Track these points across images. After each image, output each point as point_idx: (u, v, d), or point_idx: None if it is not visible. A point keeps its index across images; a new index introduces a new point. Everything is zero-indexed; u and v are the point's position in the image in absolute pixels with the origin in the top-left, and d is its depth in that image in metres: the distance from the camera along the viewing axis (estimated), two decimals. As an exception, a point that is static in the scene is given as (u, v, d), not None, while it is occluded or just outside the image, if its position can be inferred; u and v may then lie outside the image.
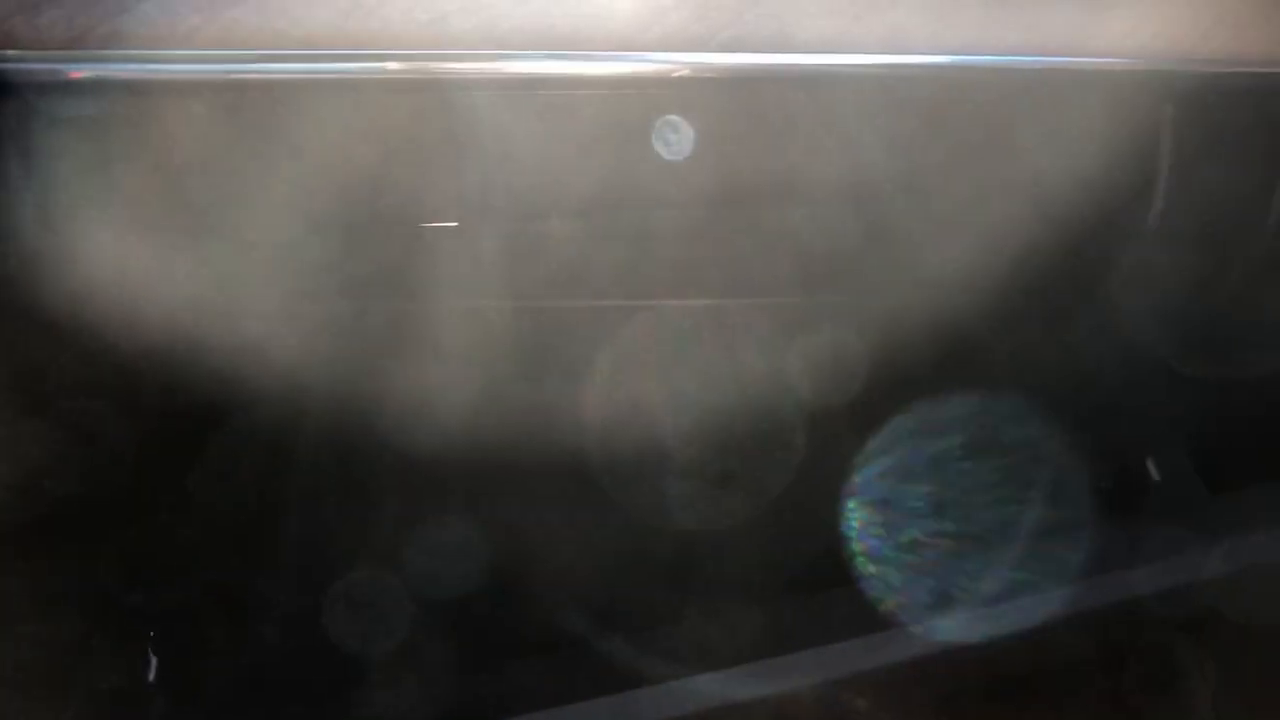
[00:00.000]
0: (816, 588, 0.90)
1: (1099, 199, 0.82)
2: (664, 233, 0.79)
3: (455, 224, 0.76)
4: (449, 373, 0.82)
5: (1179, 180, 0.83)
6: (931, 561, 0.92)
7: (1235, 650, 0.95)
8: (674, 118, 0.71)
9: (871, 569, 0.91)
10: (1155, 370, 0.96)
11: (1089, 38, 0.75)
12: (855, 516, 0.92)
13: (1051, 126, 0.78)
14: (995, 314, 0.86)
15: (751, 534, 0.90)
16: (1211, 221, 0.87)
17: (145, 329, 0.70)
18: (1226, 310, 0.94)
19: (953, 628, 0.88)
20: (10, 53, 0.61)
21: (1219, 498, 1.02)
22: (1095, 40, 0.76)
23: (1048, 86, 0.77)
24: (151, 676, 0.82)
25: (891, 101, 0.76)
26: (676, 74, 0.71)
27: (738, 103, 0.74)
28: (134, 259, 0.69)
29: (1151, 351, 0.95)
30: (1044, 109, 0.77)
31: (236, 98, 0.66)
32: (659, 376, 0.87)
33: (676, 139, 0.72)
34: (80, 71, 0.62)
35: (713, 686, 0.79)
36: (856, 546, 0.92)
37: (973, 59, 0.74)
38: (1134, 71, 0.78)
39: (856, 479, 0.92)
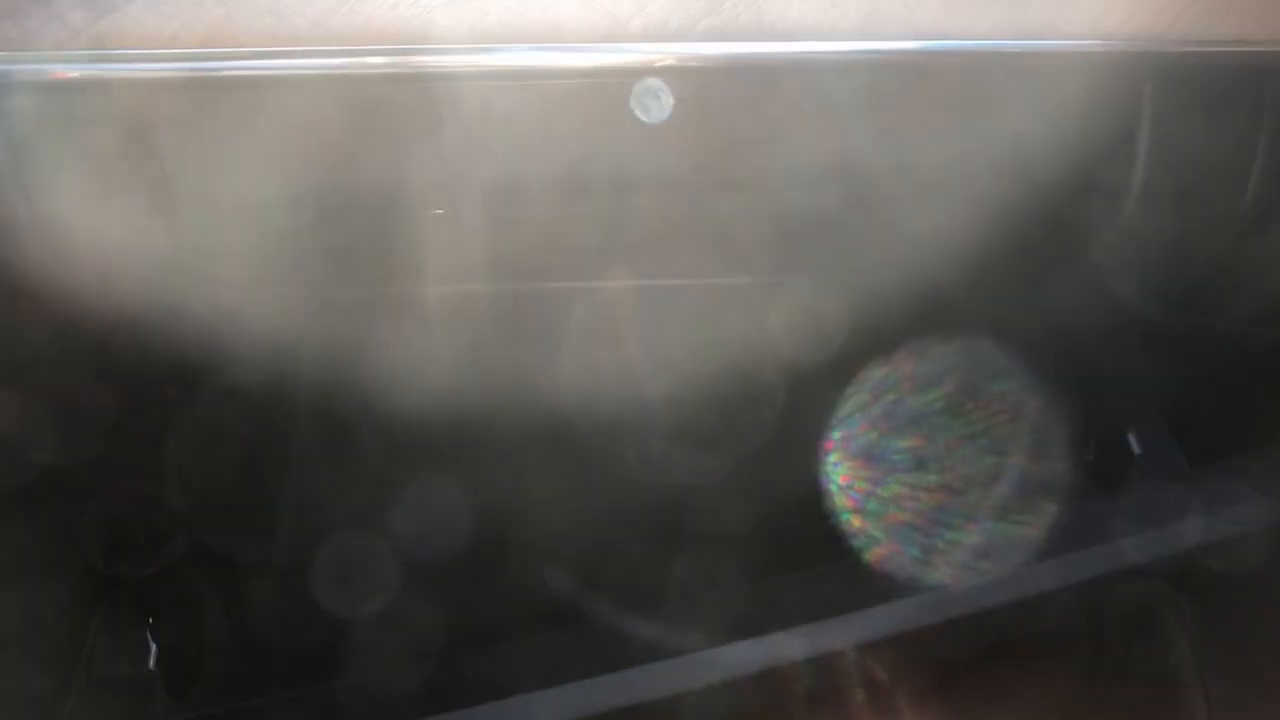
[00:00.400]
0: (807, 555, 0.92)
1: (1076, 177, 0.84)
2: (648, 217, 0.81)
3: (440, 211, 0.78)
4: (443, 355, 0.84)
5: (1157, 158, 0.85)
6: (916, 522, 0.94)
7: (1218, 612, 0.97)
8: (653, 81, 0.72)
9: (858, 533, 0.93)
10: (1139, 335, 0.98)
11: (1062, 21, 0.77)
12: (840, 477, 0.94)
13: (1027, 109, 0.79)
14: (980, 289, 0.88)
15: (740, 501, 0.92)
16: (1191, 196, 0.89)
17: (138, 325, 0.72)
18: (1208, 277, 0.96)
19: (939, 590, 0.90)
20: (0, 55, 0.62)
21: (1203, 461, 1.05)
22: (1068, 24, 0.77)
23: (1021, 70, 0.78)
24: (147, 647, 0.84)
25: (868, 85, 0.77)
26: (659, 63, 0.72)
27: (719, 90, 0.75)
28: (126, 257, 0.70)
29: (1135, 317, 0.97)
30: (1018, 92, 0.79)
31: (224, 95, 0.67)
32: (651, 352, 0.89)
33: (655, 103, 0.73)
34: (70, 72, 0.63)
35: (702, 658, 0.81)
36: (844, 509, 0.94)
37: (946, 44, 0.75)
38: (1108, 54, 0.79)
39: (841, 440, 0.94)
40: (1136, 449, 1.04)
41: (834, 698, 0.84)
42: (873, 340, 0.89)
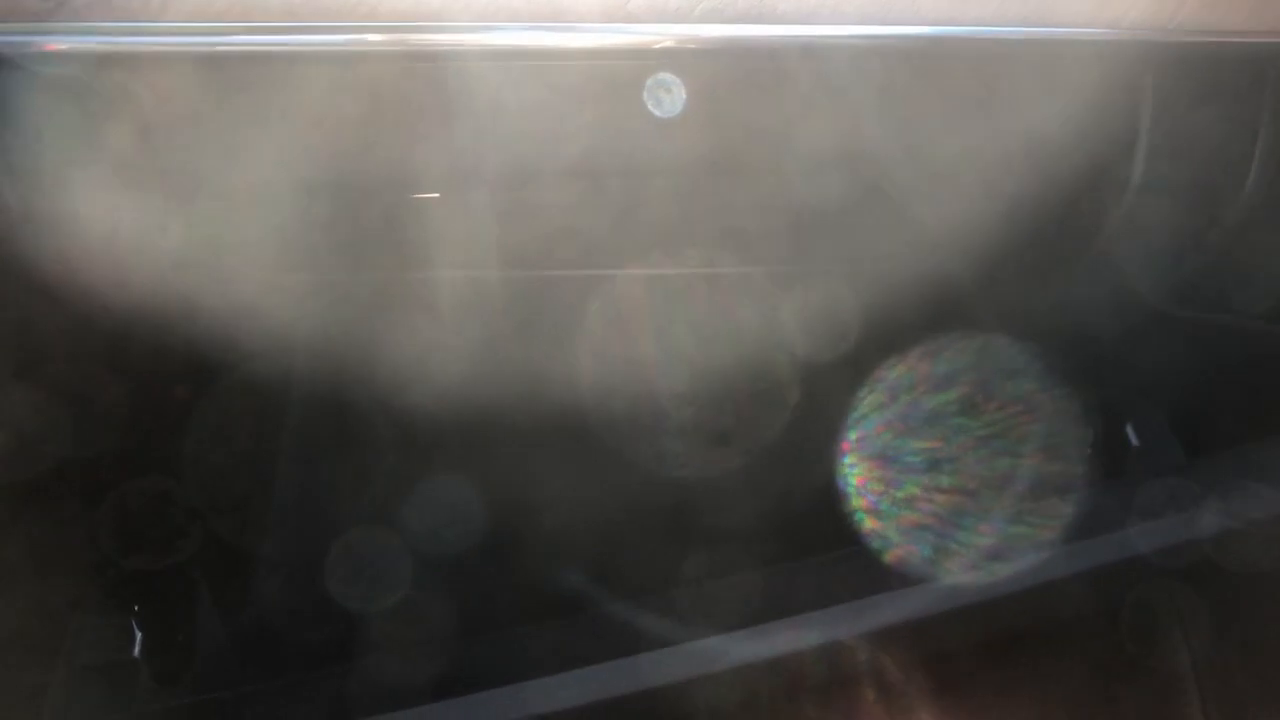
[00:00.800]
0: (816, 546, 0.92)
1: (1077, 165, 0.83)
2: (644, 201, 0.80)
3: (438, 194, 0.77)
4: (449, 339, 0.83)
5: (1158, 147, 0.85)
6: (928, 517, 0.93)
7: (1224, 606, 0.97)
8: (666, 75, 0.71)
9: (870, 526, 0.92)
10: (1141, 326, 0.98)
11: (1065, 9, 0.76)
12: (854, 473, 0.94)
13: (1029, 96, 0.79)
14: (979, 275, 0.87)
15: (752, 493, 0.91)
16: (1192, 185, 0.89)
17: (130, 295, 0.71)
18: (1208, 267, 0.96)
19: (949, 584, 0.89)
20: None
21: (1209, 454, 1.04)
22: (1072, 11, 0.76)
23: (1024, 57, 0.78)
24: (145, 639, 0.83)
25: (870, 71, 0.76)
26: (658, 45, 0.71)
27: (719, 73, 0.74)
28: (114, 229, 0.69)
29: (1136, 307, 0.97)
30: (1020, 79, 0.78)
31: (215, 69, 0.66)
32: (660, 340, 0.88)
33: (668, 97, 0.72)
34: (59, 44, 0.62)
35: (714, 647, 0.80)
36: (856, 503, 0.93)
37: (949, 30, 0.74)
38: (1110, 42, 0.78)
39: (855, 436, 0.94)
40: (1135, 441, 1.03)
41: (842, 688, 0.83)
42: (874, 329, 0.88)
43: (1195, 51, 0.81)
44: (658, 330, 0.89)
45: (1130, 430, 1.04)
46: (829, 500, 0.93)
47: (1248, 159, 0.86)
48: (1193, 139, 0.84)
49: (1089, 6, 0.77)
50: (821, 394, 0.93)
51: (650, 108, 0.72)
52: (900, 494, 0.94)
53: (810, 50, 0.75)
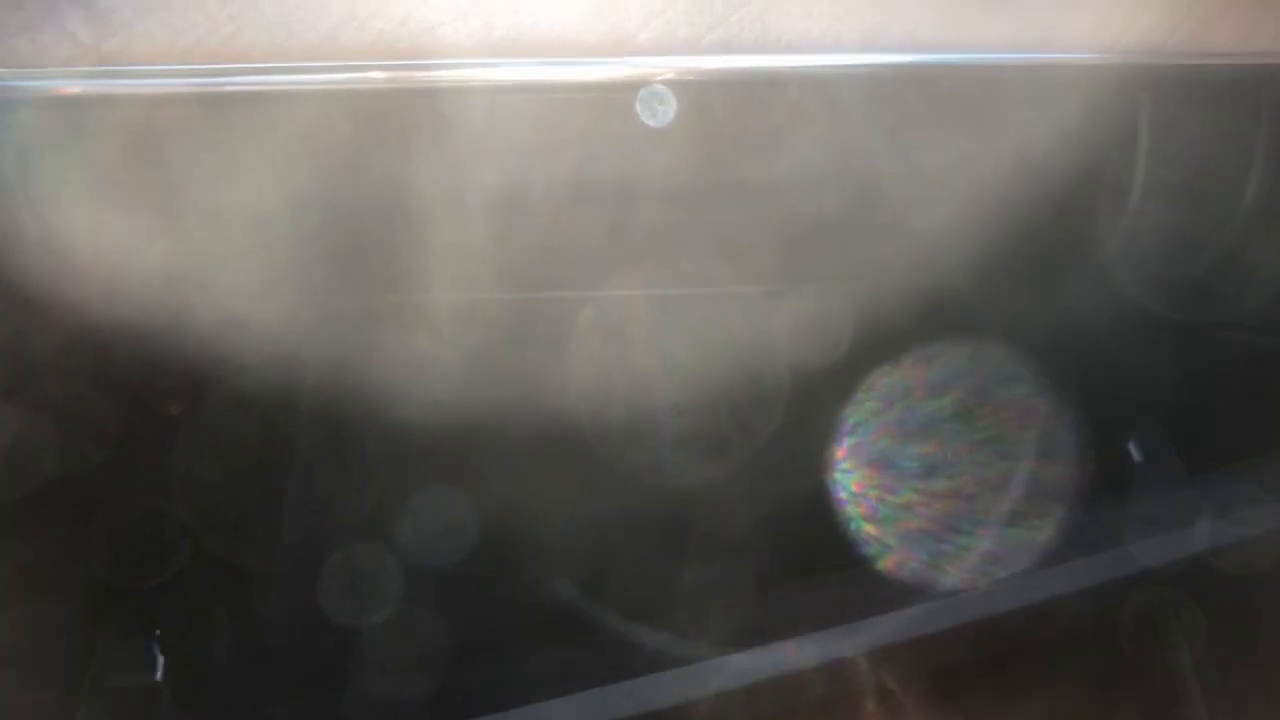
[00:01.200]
0: (816, 563, 0.93)
1: (1074, 188, 0.85)
2: (657, 230, 0.81)
3: (448, 226, 0.78)
4: (446, 369, 0.84)
5: (1155, 169, 0.86)
6: (927, 529, 0.94)
7: (1227, 616, 0.98)
8: (658, 86, 0.73)
9: (870, 540, 0.93)
10: (1139, 342, 0.99)
11: (1061, 33, 0.77)
12: (851, 483, 0.95)
13: (1026, 121, 0.80)
14: (978, 300, 0.89)
15: (751, 509, 0.92)
16: (1189, 206, 0.90)
17: (147, 340, 0.72)
18: (1206, 287, 0.97)
19: (949, 595, 0.90)
20: (12, 71, 0.62)
21: (1211, 464, 1.05)
22: (1067, 36, 0.78)
23: (1021, 82, 0.79)
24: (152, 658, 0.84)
25: (871, 97, 0.78)
26: (665, 76, 0.73)
27: (725, 102, 0.76)
28: (134, 271, 0.70)
29: (1134, 325, 0.98)
30: (1018, 104, 0.80)
31: (233, 110, 0.68)
32: (661, 362, 0.90)
33: (661, 109, 0.73)
34: (82, 88, 0.63)
35: (712, 666, 0.81)
36: (856, 516, 0.94)
37: (946, 57, 0.76)
38: (1106, 66, 0.80)
39: (851, 446, 0.95)
40: (1136, 456, 1.04)
41: (844, 705, 0.84)
42: (874, 349, 0.90)
43: (1191, 74, 0.83)
44: (659, 348, 0.90)
45: (1132, 445, 1.05)
46: (831, 513, 0.94)
47: (1245, 179, 0.87)
48: (1190, 160, 0.86)
49: (1084, 30, 0.79)
50: (831, 417, 0.94)
51: (644, 118, 0.73)
52: (899, 500, 0.95)
53: (814, 78, 0.76)
